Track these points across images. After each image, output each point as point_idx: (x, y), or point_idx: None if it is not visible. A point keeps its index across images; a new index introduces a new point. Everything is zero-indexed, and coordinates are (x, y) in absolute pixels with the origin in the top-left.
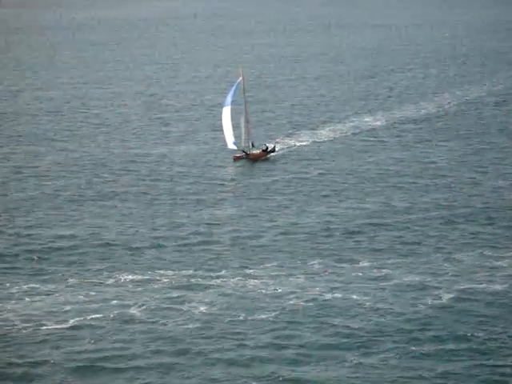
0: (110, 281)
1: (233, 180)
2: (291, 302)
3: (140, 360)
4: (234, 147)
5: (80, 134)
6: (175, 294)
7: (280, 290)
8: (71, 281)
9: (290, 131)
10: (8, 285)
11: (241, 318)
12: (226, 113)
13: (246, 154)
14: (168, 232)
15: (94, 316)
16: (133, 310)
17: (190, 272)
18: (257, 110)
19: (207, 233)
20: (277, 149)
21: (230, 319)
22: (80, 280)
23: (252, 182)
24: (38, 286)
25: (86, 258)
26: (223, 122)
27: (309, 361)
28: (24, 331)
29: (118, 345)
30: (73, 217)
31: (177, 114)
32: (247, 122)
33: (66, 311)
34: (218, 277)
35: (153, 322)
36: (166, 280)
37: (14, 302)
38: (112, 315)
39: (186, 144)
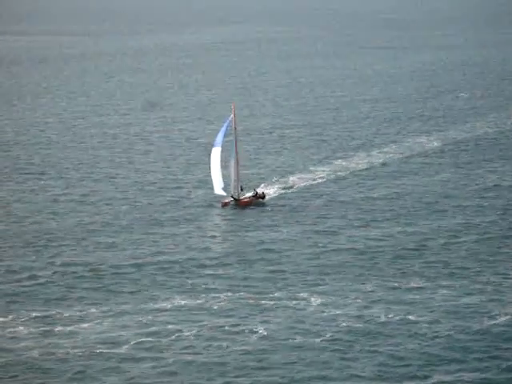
0: (167, 304)
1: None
2: (345, 324)
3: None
4: (222, 192)
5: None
6: (231, 317)
7: (335, 312)
8: (128, 306)
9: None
10: (62, 310)
11: (297, 340)
12: (216, 154)
13: (235, 199)
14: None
15: (150, 339)
16: (190, 334)
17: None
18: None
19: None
20: (270, 193)
21: (286, 342)
22: (135, 304)
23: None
24: (94, 310)
25: (142, 281)
26: (211, 164)
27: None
28: (82, 355)
29: (175, 367)
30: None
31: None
32: (237, 163)
33: (123, 335)
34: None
35: (209, 346)
36: (221, 303)
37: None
38: (169, 339)
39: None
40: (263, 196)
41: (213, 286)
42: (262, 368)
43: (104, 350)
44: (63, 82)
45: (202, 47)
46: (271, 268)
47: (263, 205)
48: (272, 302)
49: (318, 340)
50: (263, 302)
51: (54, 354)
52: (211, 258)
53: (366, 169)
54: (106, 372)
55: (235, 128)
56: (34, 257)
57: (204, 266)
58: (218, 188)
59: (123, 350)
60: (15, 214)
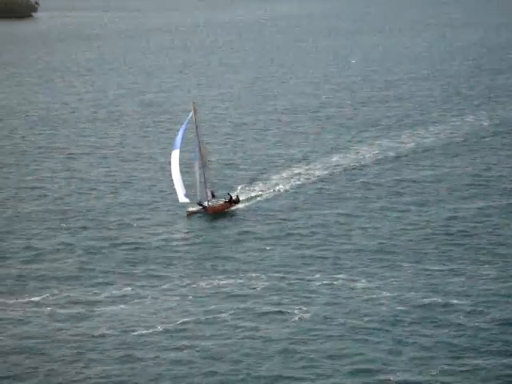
0: (204, 285)
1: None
2: (393, 306)
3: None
4: (186, 200)
5: None
6: (273, 299)
7: (378, 295)
8: (166, 286)
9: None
10: (100, 290)
11: (340, 321)
12: (175, 158)
13: (204, 207)
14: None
15: (186, 320)
16: (228, 315)
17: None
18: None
19: None
20: (243, 197)
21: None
22: (172, 284)
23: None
24: (130, 290)
25: (184, 264)
26: (172, 169)
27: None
28: (117, 336)
29: (214, 345)
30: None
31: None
32: (204, 166)
33: (159, 316)
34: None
35: (254, 328)
36: (262, 284)
37: (106, 307)
38: (206, 318)
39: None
40: (237, 200)
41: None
42: (306, 345)
43: (143, 332)
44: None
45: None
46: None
47: (237, 212)
48: (313, 284)
49: (359, 322)
50: (304, 284)
51: (91, 334)
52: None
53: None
54: (145, 351)
55: (197, 126)
56: (70, 235)
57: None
58: (182, 195)
59: (162, 330)
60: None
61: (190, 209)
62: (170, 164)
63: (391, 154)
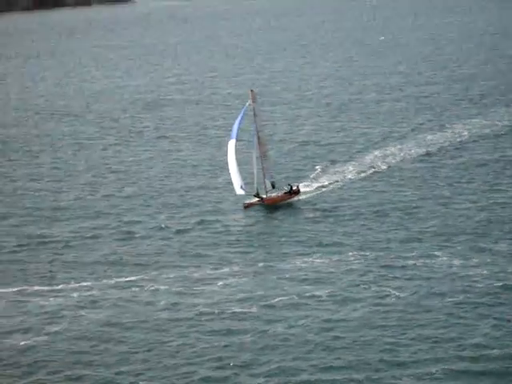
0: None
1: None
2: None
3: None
4: (243, 192)
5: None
6: (365, 280)
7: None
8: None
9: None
10: (195, 270)
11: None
12: (231, 148)
13: (261, 198)
14: None
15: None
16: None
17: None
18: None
19: None
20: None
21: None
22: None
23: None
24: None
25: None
26: (228, 159)
27: None
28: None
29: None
30: None
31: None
32: (263, 156)
33: (255, 295)
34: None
35: (348, 311)
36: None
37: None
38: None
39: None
40: (298, 191)
41: (347, 243)
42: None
43: (237, 309)
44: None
45: None
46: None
47: (298, 203)
48: (401, 264)
49: (443, 301)
50: (394, 263)
51: (186, 311)
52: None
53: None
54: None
55: (255, 115)
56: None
57: None
58: (238, 187)
59: (254, 309)
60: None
61: (248, 201)
62: (226, 155)
63: (488, 131)
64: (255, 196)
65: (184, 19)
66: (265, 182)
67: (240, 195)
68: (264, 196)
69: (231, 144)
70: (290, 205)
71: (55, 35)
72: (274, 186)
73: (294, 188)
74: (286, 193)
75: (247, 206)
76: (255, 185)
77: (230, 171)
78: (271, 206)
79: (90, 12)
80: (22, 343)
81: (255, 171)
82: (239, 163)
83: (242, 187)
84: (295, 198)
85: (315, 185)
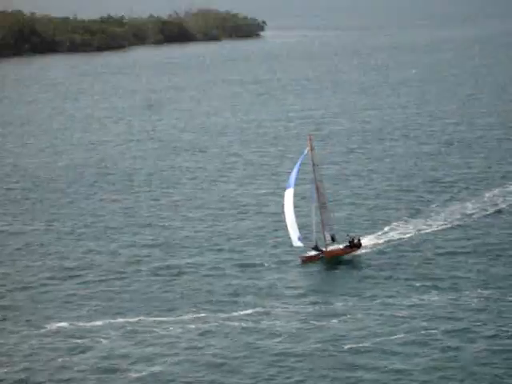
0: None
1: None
2: None
3: None
4: (300, 244)
5: None
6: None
7: None
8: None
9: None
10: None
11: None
12: (289, 197)
13: (320, 251)
14: None
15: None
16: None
17: None
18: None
19: None
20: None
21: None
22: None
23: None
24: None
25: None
26: (285, 209)
27: None
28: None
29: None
30: None
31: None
32: (323, 207)
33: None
34: None
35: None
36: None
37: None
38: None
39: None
40: (359, 244)
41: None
42: None
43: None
44: None
45: None
46: None
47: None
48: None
49: None
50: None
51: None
52: None
53: None
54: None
55: (314, 164)
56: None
57: None
58: (296, 239)
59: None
60: None
61: (305, 254)
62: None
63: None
64: (314, 249)
65: (309, 53)
66: (324, 235)
67: (296, 247)
68: (323, 249)
69: (288, 193)
70: (351, 259)
71: (186, 69)
72: (333, 239)
73: (356, 241)
74: (346, 246)
75: (305, 260)
76: (314, 237)
77: (287, 222)
78: (331, 260)
79: (217, 46)
80: (144, 373)
81: (314, 222)
82: (296, 214)
83: (299, 239)
84: (357, 252)
85: (377, 239)
